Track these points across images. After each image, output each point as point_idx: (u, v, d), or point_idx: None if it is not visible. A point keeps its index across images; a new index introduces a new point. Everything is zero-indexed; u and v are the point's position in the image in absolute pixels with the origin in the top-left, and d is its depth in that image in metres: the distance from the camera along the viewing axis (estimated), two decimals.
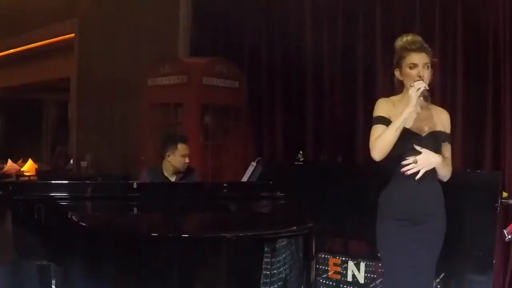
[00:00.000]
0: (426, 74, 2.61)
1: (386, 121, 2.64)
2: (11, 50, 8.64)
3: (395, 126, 2.57)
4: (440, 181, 2.72)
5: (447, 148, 2.72)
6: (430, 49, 2.64)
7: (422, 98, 2.55)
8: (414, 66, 2.60)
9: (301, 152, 4.51)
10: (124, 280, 2.31)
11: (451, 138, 2.79)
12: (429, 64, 2.62)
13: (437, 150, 2.64)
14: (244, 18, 5.50)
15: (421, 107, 2.63)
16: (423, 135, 2.65)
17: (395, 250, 2.68)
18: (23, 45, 8.28)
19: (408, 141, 2.62)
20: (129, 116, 6.03)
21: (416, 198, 2.62)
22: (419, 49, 2.61)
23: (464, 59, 4.16)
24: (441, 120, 2.72)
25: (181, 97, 5.02)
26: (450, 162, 2.72)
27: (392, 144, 2.59)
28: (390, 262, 2.74)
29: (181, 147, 3.98)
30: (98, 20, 6.82)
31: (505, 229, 2.94)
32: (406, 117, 2.56)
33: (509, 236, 2.90)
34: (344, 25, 4.83)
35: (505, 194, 3.50)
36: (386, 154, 2.61)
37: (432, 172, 2.64)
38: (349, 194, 3.71)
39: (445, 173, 2.68)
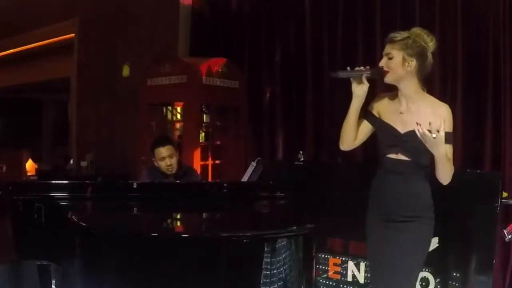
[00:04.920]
0: (385, 63, 2.60)
1: (369, 116, 2.72)
2: (11, 50, 8.64)
3: (347, 115, 2.68)
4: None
5: (448, 150, 2.50)
6: (399, 39, 2.57)
7: (357, 81, 2.63)
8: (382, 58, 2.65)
9: (301, 152, 4.51)
10: (124, 280, 2.31)
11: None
12: (392, 54, 2.57)
13: (419, 150, 2.50)
14: (244, 18, 5.51)
15: (414, 100, 2.60)
16: (403, 132, 2.58)
17: (375, 244, 2.69)
18: (23, 45, 8.28)
19: (387, 138, 2.63)
20: (129, 116, 6.03)
21: (398, 197, 2.59)
22: (386, 42, 2.64)
23: (464, 59, 4.15)
24: (438, 116, 2.48)
25: (181, 97, 5.02)
26: (451, 163, 2.53)
27: (349, 134, 2.68)
28: (371, 255, 2.77)
29: (158, 151, 3.94)
30: (98, 20, 6.83)
31: (505, 229, 2.95)
32: (356, 105, 2.65)
33: (509, 236, 2.90)
34: (344, 24, 4.83)
35: (505, 194, 3.50)
36: (348, 145, 2.72)
37: (420, 171, 2.59)
38: (349, 194, 3.71)
39: (445, 174, 2.51)
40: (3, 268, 3.51)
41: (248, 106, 5.29)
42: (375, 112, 2.73)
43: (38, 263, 3.05)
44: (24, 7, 7.76)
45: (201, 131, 5.12)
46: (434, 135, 2.36)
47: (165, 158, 3.92)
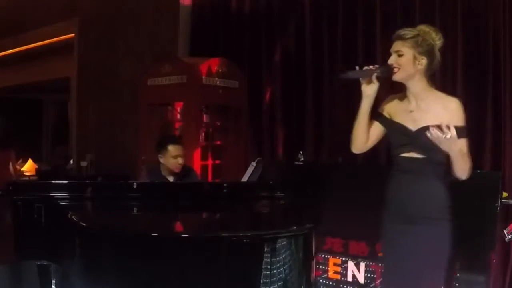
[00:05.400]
0: (395, 60, 2.54)
1: (380, 117, 2.68)
2: (11, 50, 8.63)
3: (357, 118, 2.62)
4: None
5: (460, 144, 2.43)
6: (409, 36, 2.51)
7: (367, 80, 2.56)
8: (391, 55, 2.58)
9: (301, 152, 4.51)
10: (124, 280, 2.31)
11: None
12: (402, 52, 2.51)
13: (432, 146, 2.44)
14: (244, 18, 5.51)
15: (422, 98, 2.55)
16: (414, 130, 2.54)
17: (390, 250, 2.65)
18: (23, 45, 8.28)
19: (399, 137, 2.58)
20: (129, 116, 6.03)
21: (411, 197, 2.53)
22: (394, 38, 2.57)
23: (464, 58, 4.16)
24: (448, 111, 2.46)
25: (181, 97, 5.02)
26: (468, 157, 2.49)
27: (361, 136, 2.65)
28: (386, 262, 2.72)
29: (172, 148, 3.96)
30: (98, 20, 6.83)
31: (505, 229, 2.95)
32: (366, 106, 2.59)
33: (509, 236, 2.90)
34: (344, 24, 4.83)
35: (505, 194, 3.50)
36: (360, 148, 2.69)
37: (435, 169, 2.52)
38: (349, 194, 3.71)
39: (461, 169, 2.46)
40: (3, 268, 3.51)
41: (248, 106, 5.29)
42: (385, 114, 2.69)
43: (38, 263, 3.05)
44: (24, 7, 7.76)
45: (200, 131, 5.12)
46: (448, 135, 2.32)
47: (178, 156, 3.95)
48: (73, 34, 7.24)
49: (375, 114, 2.70)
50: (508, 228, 2.92)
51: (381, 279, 2.96)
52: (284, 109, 5.23)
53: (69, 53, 7.35)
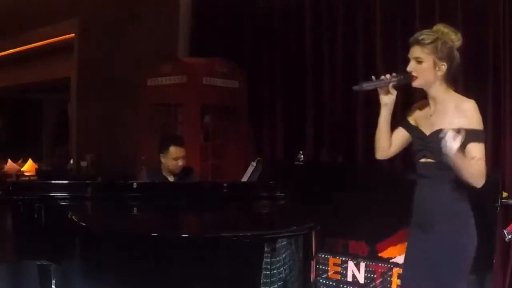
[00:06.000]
0: (414, 67, 2.45)
1: (406, 124, 2.64)
2: (11, 50, 8.63)
3: (378, 125, 2.59)
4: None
5: (472, 149, 2.33)
6: (428, 41, 2.41)
7: (384, 90, 2.52)
8: (409, 61, 2.49)
9: (301, 152, 4.51)
10: (124, 280, 2.31)
11: None
12: (422, 59, 2.42)
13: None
14: (244, 18, 5.51)
15: (440, 101, 2.48)
16: (428, 134, 2.49)
17: (407, 257, 2.61)
18: (23, 45, 8.28)
19: (416, 143, 2.55)
20: (129, 116, 6.03)
21: (427, 202, 2.48)
22: (413, 43, 2.47)
23: (464, 58, 4.14)
24: (462, 113, 2.34)
25: (181, 97, 5.03)
26: (480, 163, 2.34)
27: (383, 142, 2.61)
28: (405, 263, 2.66)
29: (173, 150, 3.95)
30: (98, 20, 6.83)
31: (505, 229, 2.95)
32: (385, 114, 2.56)
33: (509, 236, 2.90)
34: (344, 24, 4.83)
35: (505, 194, 3.50)
36: (384, 154, 2.64)
37: (449, 173, 2.40)
38: (349, 194, 3.71)
39: (468, 175, 2.32)
40: (3, 268, 3.51)
41: (248, 106, 5.29)
42: (412, 120, 2.63)
43: (38, 263, 3.05)
44: (24, 7, 7.76)
45: (201, 131, 5.12)
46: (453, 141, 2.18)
47: (179, 158, 3.94)
48: (73, 34, 7.24)
49: (403, 121, 2.66)
50: (508, 228, 2.92)
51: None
52: (284, 109, 5.23)
53: (69, 53, 7.34)
